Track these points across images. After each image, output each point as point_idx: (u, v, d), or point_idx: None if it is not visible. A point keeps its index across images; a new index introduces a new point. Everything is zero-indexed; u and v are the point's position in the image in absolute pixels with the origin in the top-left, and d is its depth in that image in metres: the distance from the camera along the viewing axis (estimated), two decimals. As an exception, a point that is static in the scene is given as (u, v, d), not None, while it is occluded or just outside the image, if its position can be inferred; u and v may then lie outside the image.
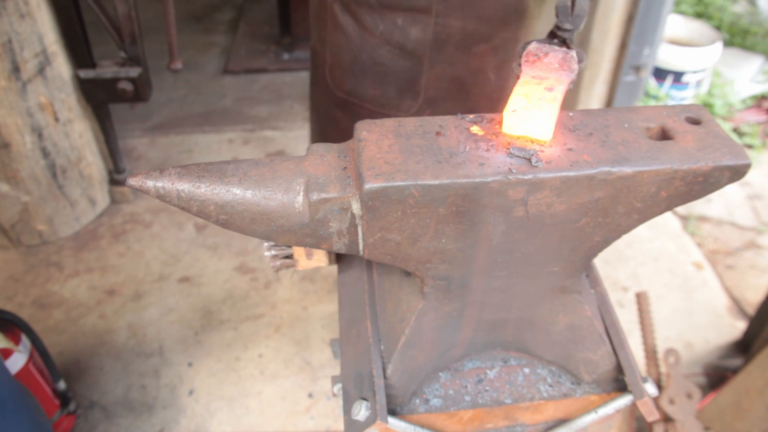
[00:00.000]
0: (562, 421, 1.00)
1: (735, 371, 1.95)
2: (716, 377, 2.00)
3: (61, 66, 2.25)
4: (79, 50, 2.26)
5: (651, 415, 0.93)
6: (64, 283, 2.30)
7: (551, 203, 0.74)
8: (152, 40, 2.86)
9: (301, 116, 3.25)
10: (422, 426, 0.91)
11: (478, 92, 1.38)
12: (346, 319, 1.06)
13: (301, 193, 0.75)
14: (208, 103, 3.38)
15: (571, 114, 0.81)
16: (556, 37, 0.84)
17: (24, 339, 1.61)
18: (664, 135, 0.80)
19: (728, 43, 3.78)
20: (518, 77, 0.79)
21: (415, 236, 0.77)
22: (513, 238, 0.78)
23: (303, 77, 3.58)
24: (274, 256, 1.04)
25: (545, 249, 0.81)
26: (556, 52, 0.80)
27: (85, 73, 2.29)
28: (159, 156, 2.98)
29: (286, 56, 3.73)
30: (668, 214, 2.69)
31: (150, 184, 0.74)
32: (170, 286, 2.30)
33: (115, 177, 2.64)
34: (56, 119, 2.28)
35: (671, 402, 1.73)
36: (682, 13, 3.81)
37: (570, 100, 2.84)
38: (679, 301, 2.29)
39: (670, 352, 1.82)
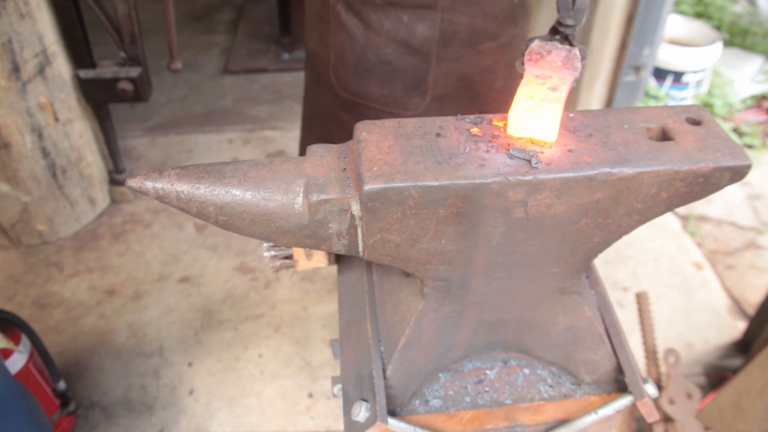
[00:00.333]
0: (562, 422, 1.00)
1: (735, 371, 1.95)
2: (716, 377, 2.00)
3: (61, 66, 2.25)
4: (79, 50, 2.26)
5: (651, 415, 0.93)
6: (64, 283, 2.30)
7: (551, 204, 0.74)
8: (152, 40, 2.86)
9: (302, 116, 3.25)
10: (422, 427, 0.91)
11: (487, 91, 1.37)
12: (346, 320, 1.06)
13: (301, 195, 0.75)
14: (208, 103, 3.38)
15: (571, 115, 0.81)
16: (558, 33, 0.84)
17: (24, 339, 1.61)
18: (665, 136, 0.80)
19: (728, 43, 3.78)
20: (521, 76, 0.79)
21: (414, 237, 0.77)
22: (513, 239, 0.78)
23: (303, 77, 3.57)
24: (274, 257, 1.04)
25: (545, 250, 0.81)
26: (559, 50, 0.79)
27: (85, 73, 2.28)
28: (159, 156, 2.98)
29: (286, 56, 3.73)
30: (668, 214, 2.69)
31: (149, 185, 0.74)
32: (170, 286, 2.29)
33: (115, 177, 2.64)
34: (56, 119, 2.28)
35: (671, 402, 1.73)
36: (682, 13, 3.81)
37: (570, 100, 2.84)
38: (679, 301, 2.29)
39: (670, 352, 1.82)
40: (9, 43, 2.01)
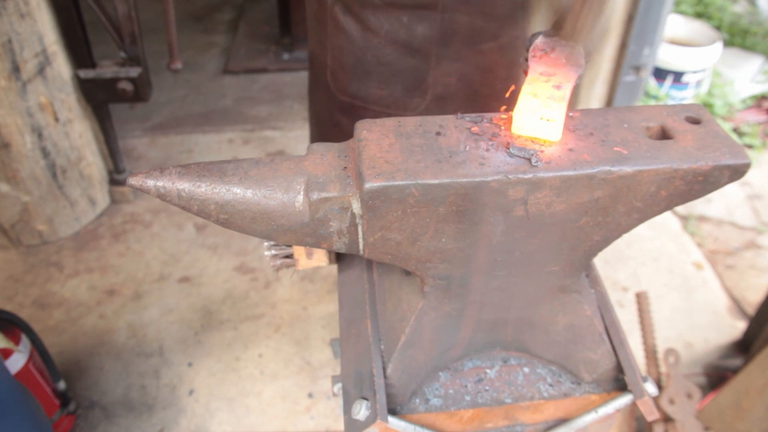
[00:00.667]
0: (562, 421, 1.00)
1: (735, 371, 1.95)
2: (716, 377, 2.00)
3: (61, 66, 2.25)
4: (79, 50, 2.26)
5: (651, 414, 0.93)
6: (64, 283, 2.30)
7: (551, 203, 0.74)
8: (152, 40, 2.86)
9: (301, 116, 3.25)
10: (422, 425, 0.91)
11: (487, 91, 1.36)
12: (346, 319, 1.06)
13: (302, 193, 0.75)
14: (208, 103, 3.38)
15: (571, 114, 0.81)
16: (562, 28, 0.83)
17: (24, 339, 1.61)
18: (664, 134, 0.80)
19: (728, 43, 3.78)
20: (526, 73, 0.79)
21: (415, 235, 0.77)
22: (513, 237, 0.78)
23: (303, 77, 3.58)
24: (274, 256, 1.04)
25: (545, 248, 0.81)
26: (564, 47, 0.79)
27: (85, 73, 2.29)
28: (159, 156, 2.98)
29: (286, 56, 3.74)
30: (668, 214, 2.69)
31: (150, 183, 0.74)
32: (170, 286, 2.30)
33: (115, 177, 2.64)
34: (56, 119, 2.28)
35: (671, 402, 1.73)
36: (682, 13, 3.81)
37: (570, 100, 2.83)
38: (679, 301, 2.29)
39: (670, 352, 1.82)
40: (9, 43, 2.01)
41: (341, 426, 1.86)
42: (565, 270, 0.86)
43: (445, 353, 0.97)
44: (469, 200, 0.73)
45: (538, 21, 1.33)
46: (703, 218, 2.70)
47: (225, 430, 1.86)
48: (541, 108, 0.75)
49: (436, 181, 0.71)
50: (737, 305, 2.28)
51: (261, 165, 0.78)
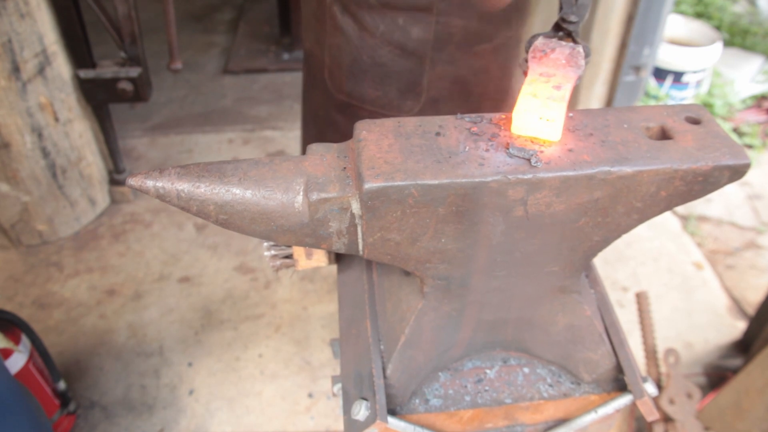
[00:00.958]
0: (562, 421, 1.00)
1: (735, 371, 1.95)
2: (716, 377, 2.00)
3: (61, 66, 2.25)
4: (79, 50, 2.26)
5: (651, 414, 0.93)
6: (64, 283, 2.30)
7: (551, 203, 0.74)
8: (152, 40, 2.86)
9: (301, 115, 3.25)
10: (422, 426, 0.91)
11: (481, 92, 1.38)
12: (346, 319, 1.06)
13: (301, 193, 0.75)
14: (208, 103, 3.38)
15: (571, 114, 0.81)
16: (561, 29, 0.83)
17: (24, 339, 1.61)
18: (664, 135, 0.80)
19: (728, 43, 3.78)
20: (525, 74, 0.79)
21: (414, 236, 0.77)
22: (512, 237, 0.78)
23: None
24: (274, 256, 1.04)
25: (545, 249, 0.81)
26: (563, 48, 0.79)
27: (85, 73, 2.29)
28: (159, 156, 2.98)
29: (286, 56, 3.73)
30: (668, 214, 2.69)
31: (150, 184, 0.74)
32: (170, 286, 2.30)
33: (115, 177, 2.64)
34: (56, 119, 2.28)
35: (671, 402, 1.73)
36: (682, 13, 3.81)
37: (570, 100, 2.83)
38: (678, 301, 2.29)
39: (670, 352, 1.82)
40: (9, 43, 2.01)
41: (341, 426, 1.86)
42: (565, 270, 0.86)
43: (444, 353, 0.97)
44: (469, 201, 0.72)
45: (537, 22, 1.34)
46: (703, 218, 2.70)
47: (225, 430, 1.86)
48: (541, 108, 0.75)
49: (436, 182, 0.70)
50: (737, 305, 2.28)
51: (260, 165, 0.78)
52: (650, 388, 0.93)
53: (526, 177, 0.71)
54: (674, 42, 3.23)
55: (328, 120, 1.50)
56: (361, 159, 0.73)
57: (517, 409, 0.97)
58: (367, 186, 0.70)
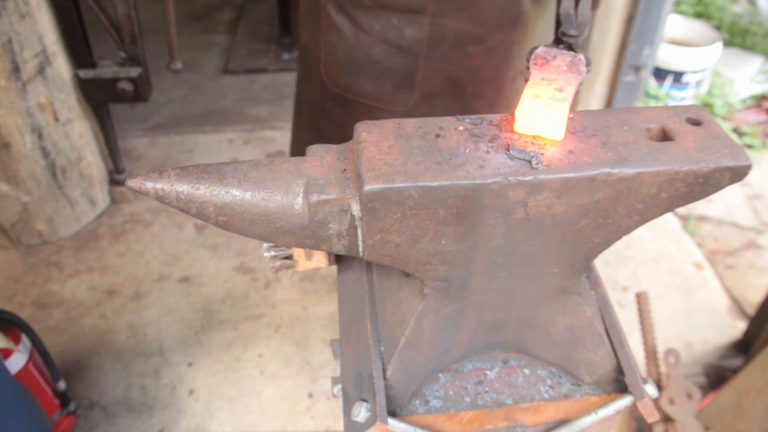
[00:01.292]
0: (563, 422, 1.00)
1: (735, 371, 1.95)
2: (716, 377, 2.00)
3: (61, 66, 2.25)
4: (79, 50, 2.26)
5: (651, 415, 0.93)
6: (64, 283, 2.30)
7: (551, 205, 0.74)
8: (152, 40, 2.86)
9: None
10: (422, 427, 0.91)
11: (474, 91, 1.40)
12: (346, 320, 1.06)
13: (301, 195, 0.75)
14: (208, 103, 3.38)
15: (571, 115, 0.81)
16: (562, 42, 0.84)
17: (24, 339, 1.61)
18: (665, 136, 0.80)
19: (728, 43, 3.77)
20: (527, 81, 0.79)
21: (414, 238, 0.77)
22: (513, 239, 0.78)
23: (303, 77, 3.58)
24: (274, 257, 1.04)
25: (545, 250, 0.81)
26: (564, 56, 0.80)
27: (85, 73, 2.28)
28: (159, 156, 2.98)
29: (286, 56, 3.73)
30: (668, 215, 2.69)
31: (149, 185, 0.74)
32: (170, 286, 2.30)
33: (115, 177, 2.64)
34: (56, 119, 2.28)
35: (671, 402, 1.73)
36: (682, 13, 3.81)
37: (572, 104, 2.84)
38: (679, 302, 2.29)
39: (670, 352, 1.82)
40: (9, 43, 2.01)
41: (341, 426, 1.86)
42: (566, 271, 0.86)
43: (444, 355, 0.96)
44: (469, 202, 0.72)
45: (537, 27, 1.35)
46: (703, 218, 2.70)
47: (225, 430, 1.86)
48: (544, 108, 0.75)
49: (436, 184, 0.70)
50: (737, 305, 2.28)
51: (260, 167, 0.77)
52: (650, 390, 0.93)
53: (526, 179, 0.71)
54: (674, 42, 3.23)
55: (324, 111, 1.52)
56: (361, 160, 0.73)
57: (518, 410, 0.96)
58: (367, 188, 0.70)
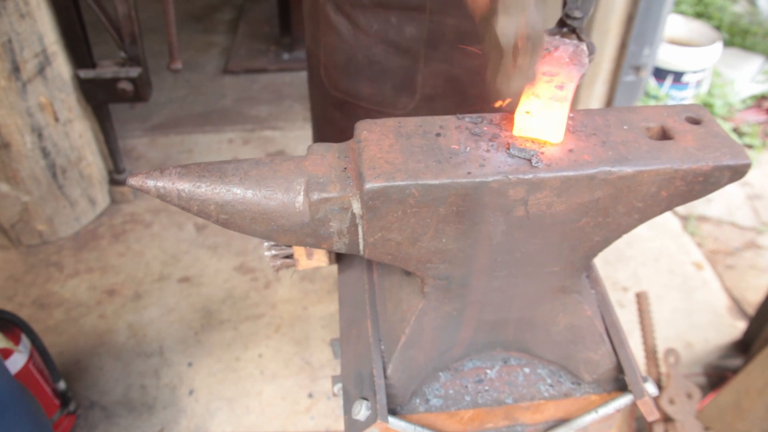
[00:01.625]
0: (563, 421, 1.00)
1: (735, 371, 1.95)
2: (716, 377, 2.00)
3: (61, 66, 2.25)
4: (79, 50, 2.26)
5: (651, 414, 0.93)
6: (64, 283, 2.30)
7: (551, 203, 0.74)
8: (152, 40, 2.86)
9: (301, 116, 3.25)
10: (422, 426, 0.91)
11: (476, 92, 1.38)
12: (346, 319, 1.06)
13: (302, 193, 0.75)
14: (208, 103, 3.38)
15: (571, 114, 0.81)
16: (566, 25, 0.83)
17: (24, 339, 1.61)
18: (665, 135, 0.80)
19: (728, 43, 3.78)
20: None
21: (415, 236, 0.77)
22: (513, 237, 0.78)
23: (303, 77, 3.58)
24: (274, 256, 1.04)
25: (545, 249, 0.81)
26: (567, 46, 0.79)
27: (85, 73, 2.29)
28: (159, 156, 2.98)
29: (286, 56, 3.73)
30: (668, 214, 2.69)
31: (150, 183, 0.74)
32: (170, 286, 2.30)
33: (115, 177, 2.64)
34: (56, 119, 2.28)
35: (671, 402, 1.73)
36: (682, 13, 3.81)
37: (573, 100, 2.84)
38: (679, 301, 2.29)
39: (670, 352, 1.82)
40: (9, 43, 2.01)
41: (341, 426, 1.86)
42: (566, 270, 0.86)
43: (445, 353, 0.97)
44: (470, 201, 0.72)
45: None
46: (703, 218, 2.70)
47: (225, 430, 1.86)
48: (543, 108, 0.74)
49: (437, 182, 0.70)
50: (737, 305, 2.28)
51: (261, 165, 0.77)
52: (650, 388, 0.93)
53: (526, 177, 0.71)
54: (674, 42, 3.24)
55: (326, 116, 1.52)
56: (362, 159, 0.73)
57: (518, 409, 0.97)
58: (368, 186, 0.70)
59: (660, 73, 3.23)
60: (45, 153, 2.27)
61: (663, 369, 1.93)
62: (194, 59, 3.77)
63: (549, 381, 0.99)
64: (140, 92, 2.31)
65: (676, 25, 3.38)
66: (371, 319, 0.97)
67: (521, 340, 0.98)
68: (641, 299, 1.90)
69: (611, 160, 0.73)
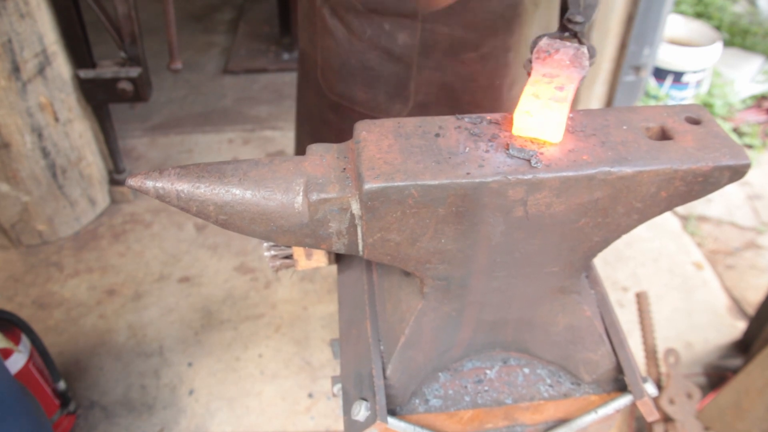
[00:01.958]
0: (562, 422, 1.00)
1: (735, 371, 1.95)
2: (716, 377, 2.00)
3: (61, 66, 2.25)
4: (79, 50, 2.26)
5: (651, 415, 0.93)
6: (64, 283, 2.30)
7: (551, 203, 0.74)
8: (152, 40, 2.86)
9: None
10: (422, 426, 0.91)
11: (469, 99, 1.37)
12: (345, 320, 1.06)
13: (301, 194, 0.75)
14: (208, 103, 3.38)
15: (570, 114, 0.81)
16: (567, 30, 0.83)
17: (24, 339, 1.61)
18: (664, 135, 0.80)
19: (728, 43, 3.78)
20: (529, 74, 0.79)
21: (414, 236, 0.77)
22: (512, 238, 0.78)
23: (303, 77, 3.58)
24: (274, 256, 1.04)
25: (545, 249, 0.81)
26: (567, 48, 0.79)
27: (85, 73, 2.29)
28: (159, 156, 2.98)
29: (286, 56, 3.73)
30: (668, 214, 2.69)
31: (149, 184, 0.74)
32: (170, 286, 2.30)
33: (115, 177, 2.64)
34: (56, 119, 2.28)
35: (671, 402, 1.73)
36: (682, 13, 3.81)
37: (573, 101, 2.84)
38: (679, 301, 2.29)
39: (670, 352, 1.82)
40: (9, 43, 2.01)
41: (341, 426, 1.86)
42: (565, 271, 0.86)
43: (444, 354, 0.97)
44: (469, 201, 0.72)
45: (532, 30, 1.34)
46: (703, 218, 2.70)
47: (225, 430, 1.86)
48: (543, 109, 0.74)
49: (436, 182, 0.70)
50: (737, 305, 2.28)
51: (260, 166, 0.77)
52: (650, 389, 0.93)
53: (526, 177, 0.71)
54: (674, 42, 3.23)
55: (322, 118, 1.51)
56: (361, 159, 0.73)
57: (517, 409, 0.96)
58: (367, 186, 0.70)
59: (660, 73, 3.23)
60: (45, 153, 2.27)
61: (663, 369, 1.93)
62: (194, 59, 3.78)
63: (548, 381, 0.99)
64: (140, 92, 2.31)
65: (676, 25, 3.38)
66: (370, 320, 0.97)
67: (521, 340, 0.98)
68: (641, 299, 1.90)
69: (611, 161, 0.73)
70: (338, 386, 0.99)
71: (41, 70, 2.16)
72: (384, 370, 0.90)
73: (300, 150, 1.77)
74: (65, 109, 2.30)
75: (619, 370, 0.96)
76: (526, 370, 1.00)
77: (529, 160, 0.73)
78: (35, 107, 2.18)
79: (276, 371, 2.01)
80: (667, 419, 1.73)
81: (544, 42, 0.80)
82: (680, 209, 2.73)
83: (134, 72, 2.26)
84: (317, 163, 0.79)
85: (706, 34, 3.31)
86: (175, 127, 3.17)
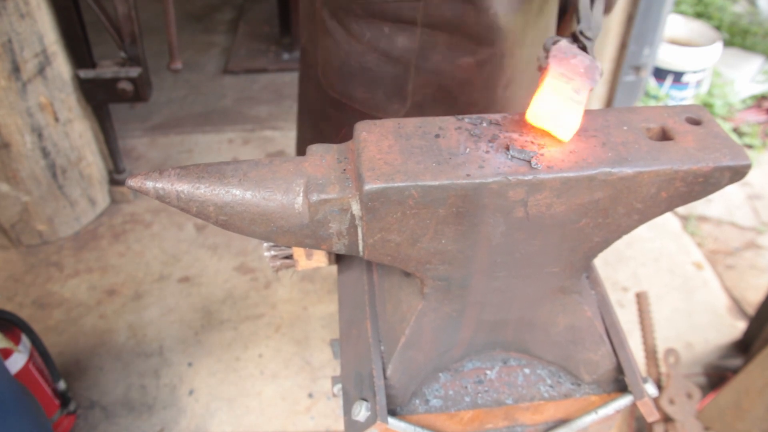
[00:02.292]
0: (562, 422, 1.00)
1: (735, 371, 1.95)
2: (716, 377, 2.00)
3: (61, 66, 2.25)
4: (79, 50, 2.26)
5: (651, 415, 0.93)
6: (64, 283, 2.30)
7: (551, 204, 0.74)
8: (152, 40, 2.86)
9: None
10: (422, 426, 0.91)
11: (466, 101, 1.40)
12: (346, 320, 1.06)
13: (301, 194, 0.75)
14: (208, 103, 3.38)
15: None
16: (578, 41, 0.84)
17: (24, 339, 1.61)
18: (665, 135, 0.80)
19: (728, 43, 3.78)
20: (540, 69, 0.79)
21: (414, 237, 0.77)
22: (513, 238, 0.78)
23: (303, 77, 3.58)
24: (274, 257, 1.04)
25: (545, 250, 0.81)
26: (584, 57, 0.79)
27: (85, 73, 2.29)
28: (159, 156, 2.98)
29: (286, 56, 3.73)
30: (668, 214, 2.69)
31: (149, 185, 0.74)
32: (170, 286, 2.30)
33: (115, 177, 2.64)
34: (56, 119, 2.28)
35: (671, 402, 1.73)
36: (682, 13, 3.81)
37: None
38: (679, 302, 2.29)
39: (670, 352, 1.82)
40: (9, 43, 2.01)
41: (341, 426, 1.86)
42: (566, 271, 0.86)
43: (445, 354, 0.97)
44: (469, 202, 0.72)
45: (527, 39, 1.35)
46: (703, 218, 2.70)
47: (225, 430, 1.86)
48: (561, 104, 0.74)
49: (436, 183, 0.70)
50: (737, 305, 2.28)
51: (260, 166, 0.77)
52: (650, 389, 0.93)
53: (526, 178, 0.71)
54: (674, 42, 3.23)
55: (323, 113, 1.53)
56: (361, 160, 0.73)
57: (518, 409, 0.96)
58: (367, 187, 0.70)
59: (660, 73, 3.23)
60: (45, 153, 2.27)
61: (663, 369, 1.93)
62: (194, 59, 3.77)
63: (549, 382, 0.99)
64: (140, 92, 2.31)
65: (676, 25, 3.38)
66: (371, 320, 0.97)
67: (521, 340, 0.98)
68: (641, 299, 1.90)
69: (611, 161, 0.73)
70: (338, 386, 0.99)
71: (41, 70, 2.16)
72: (384, 371, 0.90)
73: (302, 143, 1.79)
74: (65, 109, 2.30)
75: (619, 370, 0.96)
76: (527, 371, 1.00)
77: (529, 161, 0.73)
78: (35, 107, 2.18)
79: (276, 371, 2.01)
80: (667, 419, 1.73)
81: (564, 44, 0.81)
82: (680, 209, 2.73)
83: (134, 72, 2.26)
84: (317, 164, 0.79)
85: (706, 34, 3.31)
86: (175, 127, 3.17)
